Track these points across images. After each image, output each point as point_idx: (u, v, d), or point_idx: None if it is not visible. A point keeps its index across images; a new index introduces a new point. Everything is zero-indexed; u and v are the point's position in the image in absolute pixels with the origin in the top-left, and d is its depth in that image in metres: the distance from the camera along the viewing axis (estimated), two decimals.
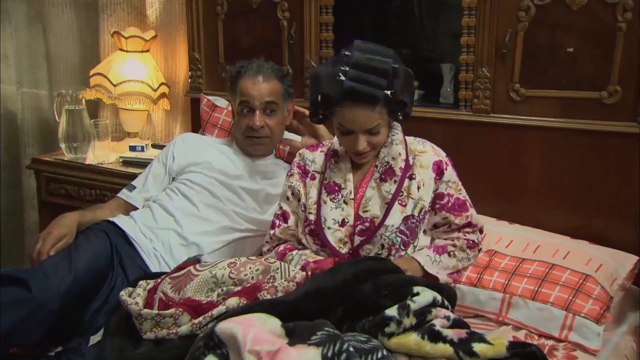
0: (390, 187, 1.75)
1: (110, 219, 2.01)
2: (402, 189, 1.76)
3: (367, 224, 1.74)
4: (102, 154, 2.70)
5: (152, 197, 2.15)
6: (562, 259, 1.90)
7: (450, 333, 1.35)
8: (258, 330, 1.25)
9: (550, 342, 1.74)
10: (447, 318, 1.40)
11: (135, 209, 2.14)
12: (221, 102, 2.55)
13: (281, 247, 1.87)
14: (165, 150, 2.26)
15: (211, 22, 2.67)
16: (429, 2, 2.58)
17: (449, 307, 1.49)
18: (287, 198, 1.88)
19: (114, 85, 2.81)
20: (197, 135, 2.43)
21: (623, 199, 2.06)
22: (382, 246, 1.73)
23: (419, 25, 2.62)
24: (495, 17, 2.11)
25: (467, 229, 1.85)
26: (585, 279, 1.80)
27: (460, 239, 1.85)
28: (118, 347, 1.49)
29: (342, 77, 1.61)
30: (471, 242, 1.86)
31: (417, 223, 1.78)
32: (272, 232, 1.89)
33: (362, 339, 1.31)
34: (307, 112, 2.13)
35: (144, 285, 1.64)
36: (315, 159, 1.88)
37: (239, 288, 1.52)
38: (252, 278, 1.54)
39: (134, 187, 2.19)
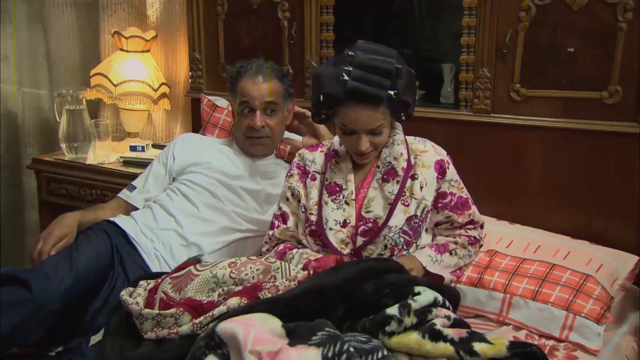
0: (393, 187, 1.75)
1: (111, 219, 2.01)
2: (405, 189, 1.76)
3: (370, 225, 1.74)
4: (103, 154, 2.70)
5: (152, 197, 2.15)
6: (562, 259, 1.90)
7: (450, 332, 1.35)
8: (259, 331, 1.25)
9: (551, 342, 1.74)
10: (448, 318, 1.40)
11: (136, 209, 2.14)
12: (222, 102, 2.55)
13: (281, 247, 1.87)
14: (166, 151, 2.26)
15: (212, 22, 2.67)
16: (430, 2, 2.58)
17: (450, 307, 1.49)
18: (287, 199, 1.88)
19: (115, 85, 2.81)
20: (197, 136, 2.43)
21: (623, 199, 2.06)
22: (385, 246, 1.73)
23: (420, 25, 2.62)
24: (495, 17, 2.11)
25: (469, 226, 1.86)
26: (585, 279, 1.80)
27: (461, 236, 1.85)
28: (119, 347, 1.49)
29: (346, 77, 1.61)
30: (472, 238, 1.87)
31: (420, 223, 1.78)
32: (270, 232, 1.89)
33: (362, 339, 1.31)
34: (307, 112, 2.14)
35: (144, 285, 1.64)
36: (316, 159, 1.88)
37: (239, 288, 1.52)
38: (253, 278, 1.54)
39: (135, 188, 2.19)
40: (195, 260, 1.73)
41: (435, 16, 2.62)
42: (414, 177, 1.77)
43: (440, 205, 1.82)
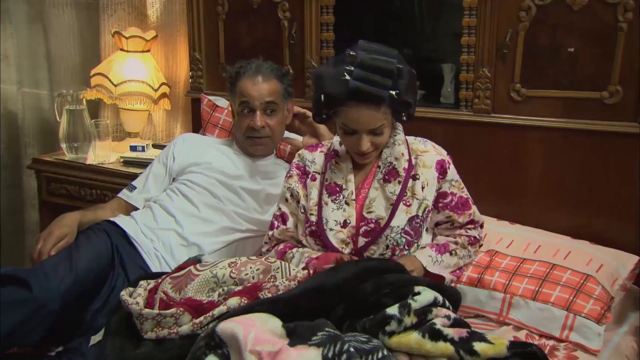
0: (394, 187, 1.75)
1: (111, 219, 2.01)
2: (407, 190, 1.76)
3: (372, 225, 1.74)
4: (103, 154, 2.70)
5: (152, 197, 2.15)
6: (562, 259, 1.90)
7: (451, 332, 1.35)
8: (259, 331, 1.25)
9: (551, 342, 1.74)
10: (448, 317, 1.41)
11: (136, 209, 2.14)
12: (222, 102, 2.55)
13: (281, 246, 1.87)
14: (166, 151, 2.26)
15: (212, 22, 2.67)
16: (430, 2, 2.58)
17: (450, 307, 1.49)
18: (286, 199, 1.88)
19: (115, 85, 2.82)
20: (197, 136, 2.43)
21: (624, 199, 2.06)
22: (387, 247, 1.73)
23: (420, 25, 2.62)
24: (495, 17, 2.11)
25: (469, 226, 1.86)
26: (586, 279, 1.80)
27: (462, 236, 1.86)
28: (119, 347, 1.49)
29: (348, 77, 1.61)
30: (472, 238, 1.87)
31: (421, 223, 1.78)
32: (270, 233, 1.89)
33: (362, 339, 1.31)
34: (308, 112, 2.14)
35: (144, 285, 1.64)
36: (315, 159, 1.88)
37: (239, 288, 1.52)
38: (253, 277, 1.54)
39: (135, 188, 2.19)
40: (196, 260, 1.73)
41: (435, 16, 2.62)
42: (415, 177, 1.77)
43: (440, 205, 1.82)
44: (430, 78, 2.40)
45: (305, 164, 1.87)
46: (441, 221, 1.86)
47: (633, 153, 2.01)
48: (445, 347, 1.32)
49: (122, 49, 2.87)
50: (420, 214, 1.76)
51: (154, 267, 1.92)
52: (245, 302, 1.46)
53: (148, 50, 2.92)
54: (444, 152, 1.84)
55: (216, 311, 1.45)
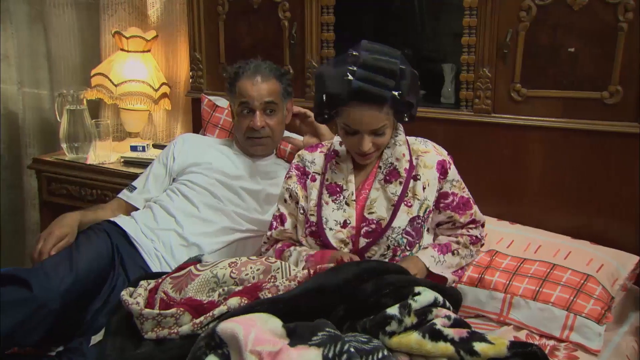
0: (395, 188, 1.75)
1: (112, 219, 2.01)
2: (408, 190, 1.76)
3: (373, 226, 1.73)
4: (103, 154, 2.70)
5: (152, 197, 2.15)
6: (563, 259, 1.90)
7: (451, 332, 1.35)
8: (259, 331, 1.25)
9: (552, 343, 1.74)
10: (448, 317, 1.40)
11: (136, 209, 2.14)
12: (222, 102, 2.55)
13: (279, 245, 1.87)
14: (166, 151, 2.26)
15: (212, 22, 2.67)
16: (430, 2, 2.58)
17: (450, 307, 1.49)
18: (285, 200, 1.88)
19: (115, 85, 2.82)
20: (197, 136, 2.43)
21: (624, 199, 2.06)
22: (388, 247, 1.73)
23: (420, 25, 2.62)
24: (496, 17, 2.11)
25: (470, 225, 1.86)
26: (586, 279, 1.80)
27: (463, 236, 1.86)
28: (119, 346, 1.49)
29: (350, 77, 1.61)
30: (474, 237, 1.87)
31: (422, 223, 1.78)
32: (269, 233, 1.90)
33: (362, 339, 1.31)
34: (309, 112, 2.14)
35: (145, 285, 1.64)
36: (315, 159, 1.87)
37: (240, 288, 1.52)
38: (253, 278, 1.54)
39: (135, 188, 2.19)
40: (196, 260, 1.73)
41: (435, 16, 2.62)
42: (416, 178, 1.77)
43: (442, 205, 1.82)
44: (431, 78, 2.40)
45: (305, 165, 1.87)
46: (442, 221, 1.86)
47: (633, 153, 2.01)
48: (446, 347, 1.32)
49: (122, 49, 2.87)
50: (421, 214, 1.76)
51: (154, 267, 1.92)
52: (246, 302, 1.46)
53: (148, 50, 2.92)
54: (445, 153, 1.84)
55: (216, 311, 1.45)
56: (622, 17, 1.96)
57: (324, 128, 2.18)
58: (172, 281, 1.59)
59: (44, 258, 1.79)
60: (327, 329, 1.27)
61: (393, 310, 1.38)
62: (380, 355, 1.24)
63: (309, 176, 1.85)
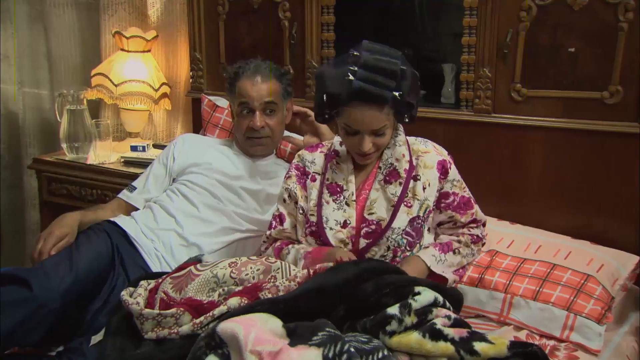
0: (395, 189, 1.75)
1: (112, 219, 2.01)
2: (408, 191, 1.76)
3: (373, 227, 1.73)
4: (104, 154, 2.70)
5: (152, 197, 2.15)
6: (563, 259, 1.90)
7: (451, 332, 1.35)
8: (259, 331, 1.25)
9: (552, 343, 1.74)
10: (448, 317, 1.40)
11: (136, 209, 2.14)
12: (222, 102, 2.55)
13: (277, 243, 1.87)
14: (166, 151, 2.26)
15: (212, 22, 2.67)
16: (430, 2, 2.58)
17: (450, 307, 1.49)
18: (284, 200, 1.88)
19: (115, 85, 2.82)
20: (197, 136, 2.43)
21: (624, 199, 2.06)
22: (388, 248, 1.73)
23: (420, 25, 2.62)
24: (496, 17, 2.11)
25: (471, 225, 1.86)
26: (586, 279, 1.80)
27: (464, 235, 1.86)
28: (119, 346, 1.49)
29: (351, 77, 1.61)
30: (475, 237, 1.87)
31: (422, 223, 1.78)
32: (268, 232, 1.90)
33: (363, 339, 1.31)
34: (309, 111, 2.14)
35: (145, 285, 1.64)
36: (315, 159, 1.87)
37: (240, 288, 1.52)
38: (253, 278, 1.54)
39: (135, 188, 2.19)
40: (196, 260, 1.73)
41: (435, 16, 2.62)
42: (416, 178, 1.77)
43: (442, 205, 1.81)
44: (431, 78, 2.40)
45: (305, 165, 1.87)
46: (443, 221, 1.86)
47: (633, 153, 2.01)
48: (446, 347, 1.32)
49: (122, 49, 2.87)
50: (421, 214, 1.76)
51: (155, 267, 1.92)
52: (246, 302, 1.46)
53: (149, 50, 2.92)
54: (445, 152, 1.84)
55: (216, 311, 1.45)
56: (623, 17, 1.95)
57: (324, 127, 2.18)
58: (172, 281, 1.59)
59: (44, 258, 1.79)
60: (327, 329, 1.27)
61: (393, 309, 1.38)
62: (380, 355, 1.24)
63: (309, 176, 1.85)
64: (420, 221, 1.76)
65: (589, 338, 1.71)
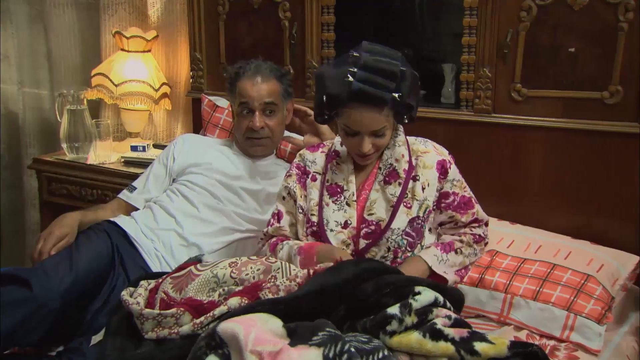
0: (394, 189, 1.75)
1: (112, 219, 2.01)
2: (407, 191, 1.75)
3: (372, 227, 1.73)
4: (104, 154, 2.70)
5: (152, 198, 2.15)
6: (563, 259, 1.90)
7: (451, 332, 1.35)
8: (260, 331, 1.25)
9: (552, 343, 1.74)
10: (449, 317, 1.40)
11: (136, 209, 2.14)
12: (222, 102, 2.55)
13: (273, 239, 1.88)
14: (166, 151, 2.26)
15: (212, 22, 2.67)
16: (430, 2, 2.58)
17: (451, 308, 1.49)
18: (283, 198, 1.88)
19: (116, 85, 2.82)
20: (197, 136, 2.43)
21: (624, 199, 2.06)
22: (388, 249, 1.73)
23: (420, 25, 2.62)
24: (496, 17, 2.11)
25: (473, 224, 1.86)
26: (586, 279, 1.80)
27: (466, 234, 1.85)
28: (119, 346, 1.49)
29: (351, 78, 1.61)
30: (477, 236, 1.86)
31: (422, 223, 1.78)
32: (265, 230, 1.91)
33: (363, 339, 1.31)
34: (309, 110, 2.14)
35: (145, 285, 1.64)
36: (316, 159, 1.87)
37: (240, 288, 1.52)
38: (254, 278, 1.54)
39: (135, 188, 2.19)
40: (196, 260, 1.73)
41: (436, 16, 2.62)
42: (415, 179, 1.77)
43: (443, 205, 1.81)
44: (431, 78, 2.40)
45: (306, 164, 1.87)
46: (444, 221, 1.86)
47: (633, 153, 2.01)
48: (446, 347, 1.32)
49: (122, 49, 2.88)
50: (421, 214, 1.76)
51: (155, 267, 1.92)
52: (246, 302, 1.46)
53: (149, 50, 2.92)
54: (446, 152, 1.84)
55: (217, 311, 1.45)
56: (623, 17, 1.95)
57: (324, 127, 2.18)
58: (173, 281, 1.59)
59: (44, 258, 1.79)
60: (328, 329, 1.27)
61: (393, 309, 1.38)
62: (380, 355, 1.24)
63: (309, 175, 1.85)
64: (420, 221, 1.76)
65: (589, 338, 1.71)
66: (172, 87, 2.99)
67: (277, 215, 1.88)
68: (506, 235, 2.05)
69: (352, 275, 1.46)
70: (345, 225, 1.75)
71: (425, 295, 1.42)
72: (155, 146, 2.86)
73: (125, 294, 1.60)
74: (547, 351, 1.66)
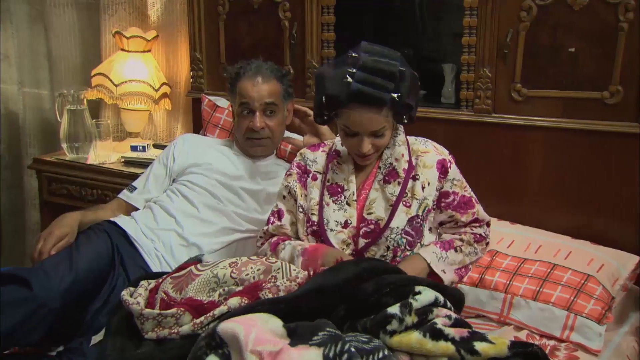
0: (394, 188, 1.75)
1: (112, 219, 2.01)
2: (406, 190, 1.76)
3: (371, 226, 1.73)
4: (104, 154, 2.71)
5: (152, 198, 2.15)
6: (563, 259, 1.90)
7: (452, 331, 1.35)
8: (260, 331, 1.25)
9: (552, 343, 1.74)
10: (449, 317, 1.40)
11: (136, 209, 2.14)
12: (222, 102, 2.55)
13: (274, 238, 1.87)
14: (166, 151, 2.26)
15: (212, 22, 2.67)
16: (430, 2, 2.58)
17: (452, 308, 1.49)
18: (284, 197, 1.88)
19: (116, 85, 2.82)
20: (197, 136, 2.43)
21: (624, 199, 2.06)
22: (388, 248, 1.73)
23: (420, 26, 2.62)
24: (496, 17, 2.11)
25: (474, 224, 1.86)
26: (586, 279, 1.80)
27: (467, 233, 1.85)
28: (119, 346, 1.49)
29: (349, 79, 1.61)
30: (478, 235, 1.86)
31: (422, 222, 1.77)
32: (265, 228, 1.91)
33: (363, 339, 1.31)
34: (309, 111, 2.14)
35: (145, 285, 1.64)
36: (317, 159, 1.88)
37: (240, 288, 1.52)
38: (254, 278, 1.54)
39: (135, 188, 2.19)
40: (196, 260, 1.73)
41: (436, 16, 2.62)
42: (415, 178, 1.77)
43: (443, 204, 1.81)
44: (431, 78, 2.40)
45: (307, 164, 1.87)
46: (445, 221, 1.86)
47: (633, 153, 2.01)
48: (446, 347, 1.32)
49: (122, 49, 2.88)
50: (420, 213, 1.76)
51: (155, 267, 1.92)
52: (246, 302, 1.46)
53: (149, 50, 2.92)
54: (446, 152, 1.84)
55: (217, 311, 1.45)
56: (623, 17, 1.96)
57: (324, 128, 2.18)
58: (173, 281, 1.59)
59: (44, 258, 1.79)
60: (328, 329, 1.27)
61: (394, 309, 1.38)
62: (380, 354, 1.24)
63: (310, 175, 1.85)
64: (419, 220, 1.76)
65: (589, 338, 1.71)
66: (172, 87, 2.99)
67: (278, 214, 1.88)
68: (506, 235, 2.05)
69: (352, 275, 1.46)
70: (346, 224, 1.76)
71: (426, 295, 1.42)
72: (155, 146, 2.86)
73: (125, 293, 1.59)
74: (547, 351, 1.66)
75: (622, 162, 2.04)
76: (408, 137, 1.84)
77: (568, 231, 2.08)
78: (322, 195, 1.80)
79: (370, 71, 1.60)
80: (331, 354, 1.19)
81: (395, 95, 1.61)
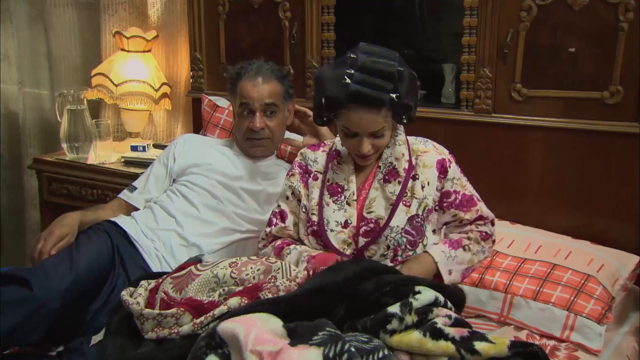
0: (394, 188, 1.75)
1: (112, 219, 2.01)
2: (407, 190, 1.75)
3: (371, 225, 1.73)
4: (104, 154, 2.71)
5: (153, 198, 2.15)
6: (563, 259, 1.90)
7: (452, 331, 1.35)
8: (260, 330, 1.25)
9: (552, 343, 1.74)
10: (449, 317, 1.40)
11: (137, 209, 2.14)
12: (222, 102, 2.55)
13: (278, 242, 1.86)
14: (166, 151, 2.26)
15: (212, 22, 2.67)
16: (430, 2, 2.58)
17: (452, 307, 1.49)
18: (287, 197, 1.88)
19: (116, 85, 2.82)
20: (198, 136, 2.43)
21: (624, 199, 2.06)
22: (388, 247, 1.73)
23: (421, 25, 2.62)
24: (496, 17, 2.11)
25: (478, 222, 1.85)
26: (587, 279, 1.80)
27: (473, 232, 1.83)
28: (119, 346, 1.49)
29: (348, 80, 1.61)
30: (484, 233, 1.85)
31: (422, 222, 1.77)
32: (268, 229, 1.89)
33: (363, 339, 1.31)
34: (309, 111, 2.14)
35: (145, 285, 1.64)
36: (317, 158, 1.87)
37: (240, 288, 1.52)
38: (254, 278, 1.54)
39: (135, 188, 2.19)
40: (196, 260, 1.73)
41: (436, 16, 2.62)
42: (415, 178, 1.77)
43: (445, 204, 1.81)
44: (431, 78, 2.40)
45: (308, 163, 1.87)
46: (449, 221, 1.85)
47: (633, 153, 2.01)
48: (447, 346, 1.32)
49: (123, 49, 2.88)
50: (420, 212, 1.76)
51: (155, 267, 1.92)
52: (246, 302, 1.46)
53: (149, 50, 2.92)
54: (446, 152, 1.83)
55: (217, 311, 1.45)
56: (623, 17, 1.96)
57: (324, 129, 2.18)
58: (173, 281, 1.59)
59: (44, 258, 1.79)
60: (328, 329, 1.27)
61: (394, 308, 1.38)
62: (381, 354, 1.24)
63: (311, 174, 1.85)
64: (419, 219, 1.76)
65: (589, 338, 1.71)
66: (172, 87, 2.99)
67: (281, 215, 1.87)
68: (506, 235, 2.05)
69: (352, 274, 1.46)
70: (346, 224, 1.75)
71: (426, 295, 1.42)
72: (155, 146, 2.86)
73: (125, 293, 1.59)
74: (547, 351, 1.66)
75: (622, 162, 2.04)
76: (408, 137, 1.84)
77: (568, 231, 2.09)
78: (322, 195, 1.80)
79: (368, 72, 1.61)
80: (331, 354, 1.19)
81: (394, 96, 1.61)
